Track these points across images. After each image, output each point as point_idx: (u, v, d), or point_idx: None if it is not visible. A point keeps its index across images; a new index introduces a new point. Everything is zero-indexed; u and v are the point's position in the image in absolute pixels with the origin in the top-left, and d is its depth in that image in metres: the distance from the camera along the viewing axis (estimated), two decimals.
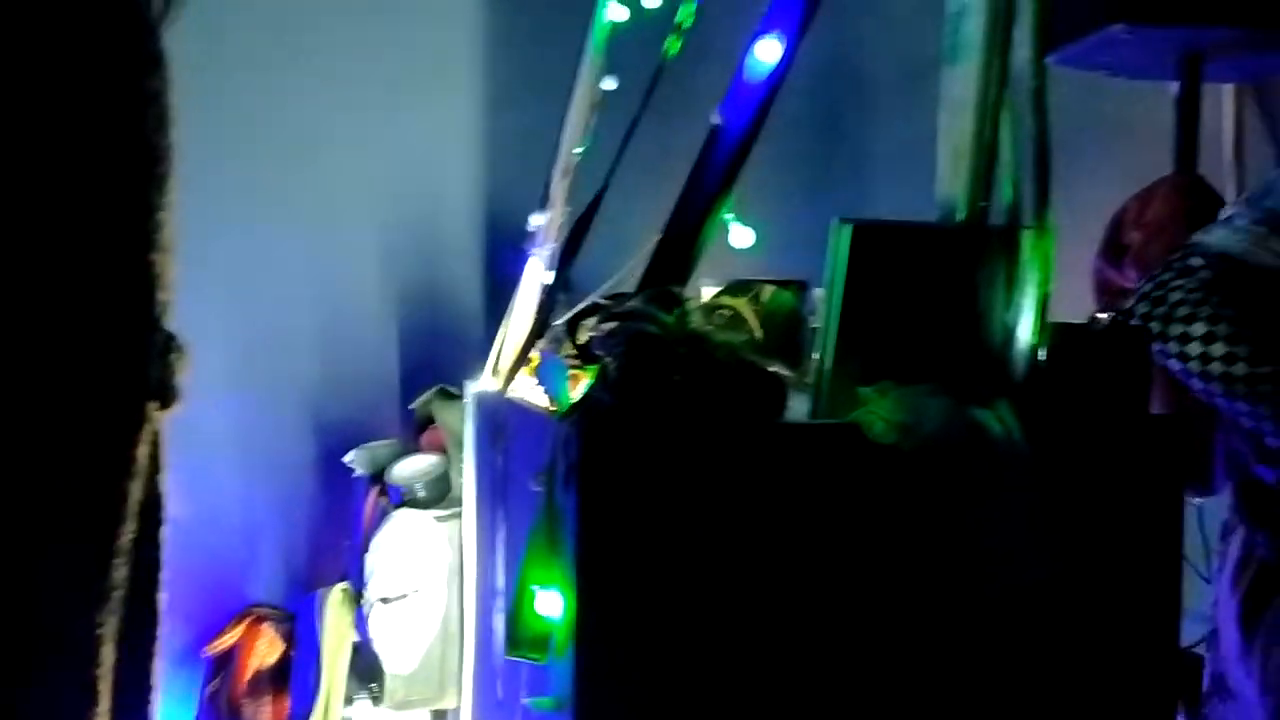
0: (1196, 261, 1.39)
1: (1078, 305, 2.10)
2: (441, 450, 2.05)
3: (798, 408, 1.19)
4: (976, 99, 1.11)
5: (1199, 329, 1.33)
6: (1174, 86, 2.03)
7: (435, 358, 2.45)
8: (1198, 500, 1.92)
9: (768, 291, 1.36)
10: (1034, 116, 1.14)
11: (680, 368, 1.02)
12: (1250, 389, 1.31)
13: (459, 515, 1.83)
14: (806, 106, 2.69)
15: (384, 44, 2.43)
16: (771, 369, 1.13)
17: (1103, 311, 2.05)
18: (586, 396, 1.07)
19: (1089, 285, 2.10)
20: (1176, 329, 1.34)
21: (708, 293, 1.48)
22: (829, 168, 2.67)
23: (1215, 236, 1.42)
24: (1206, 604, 2.05)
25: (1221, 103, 2.27)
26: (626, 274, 1.23)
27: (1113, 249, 2.02)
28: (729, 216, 1.22)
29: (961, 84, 1.12)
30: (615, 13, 1.64)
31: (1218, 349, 1.32)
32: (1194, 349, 1.33)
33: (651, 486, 1.04)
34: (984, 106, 1.11)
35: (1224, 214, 1.49)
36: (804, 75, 2.83)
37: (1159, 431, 1.22)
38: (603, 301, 1.17)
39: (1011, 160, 1.15)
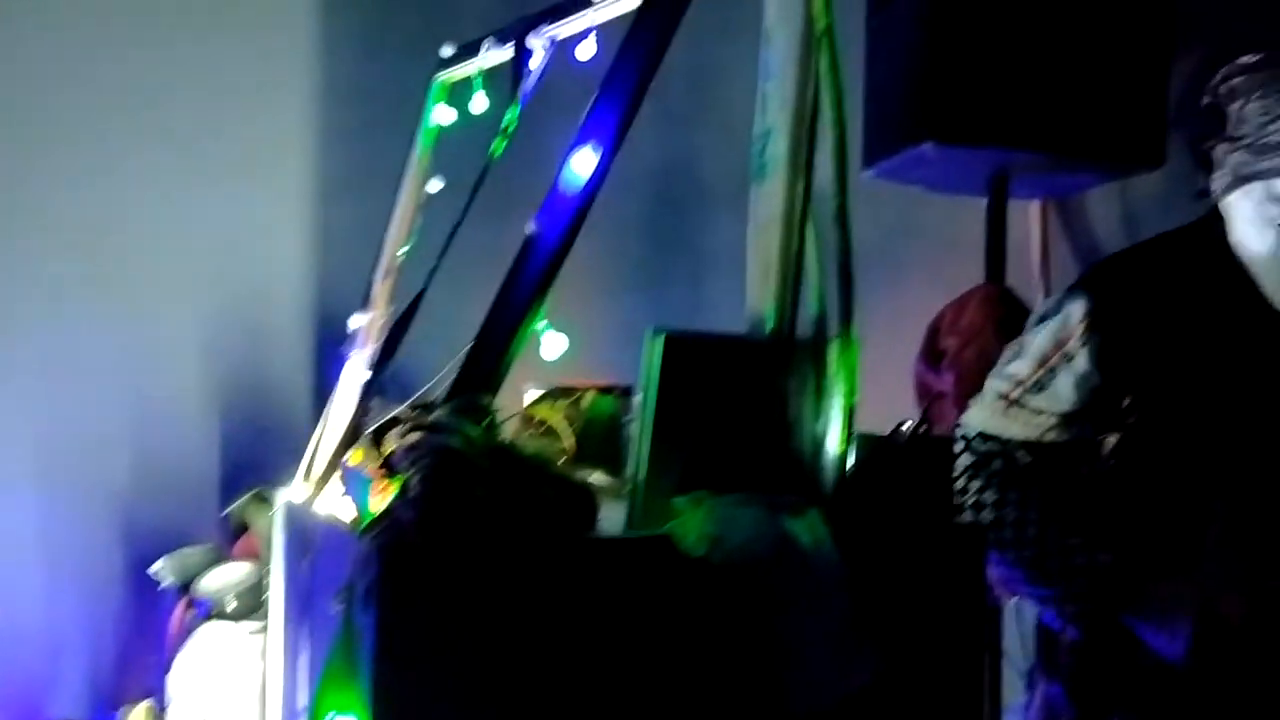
0: (959, 446, 1.47)
1: (906, 404, 2.18)
2: (256, 559, 1.94)
3: (616, 517, 1.18)
4: (783, 216, 1.14)
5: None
6: (985, 201, 2.15)
7: (259, 459, 2.34)
8: (1013, 600, 1.98)
9: (589, 398, 1.35)
10: (838, 233, 1.18)
11: (485, 483, 0.99)
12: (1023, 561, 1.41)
13: None
14: (648, 209, 2.75)
15: (209, 128, 2.36)
16: (584, 480, 1.11)
17: (922, 411, 2.13)
18: (387, 513, 1.02)
19: (911, 387, 2.18)
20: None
21: (530, 397, 1.47)
22: (669, 268, 2.72)
23: (971, 415, 1.51)
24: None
25: (1029, 217, 2.42)
26: (439, 382, 1.20)
27: (931, 353, 2.10)
28: (542, 325, 1.20)
29: (768, 201, 1.15)
30: (443, 115, 1.64)
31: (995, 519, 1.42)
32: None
33: (453, 608, 1.00)
34: (790, 223, 1.14)
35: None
36: (646, 179, 2.91)
37: (964, 538, 1.25)
38: (405, 413, 1.13)
39: (817, 275, 1.18)
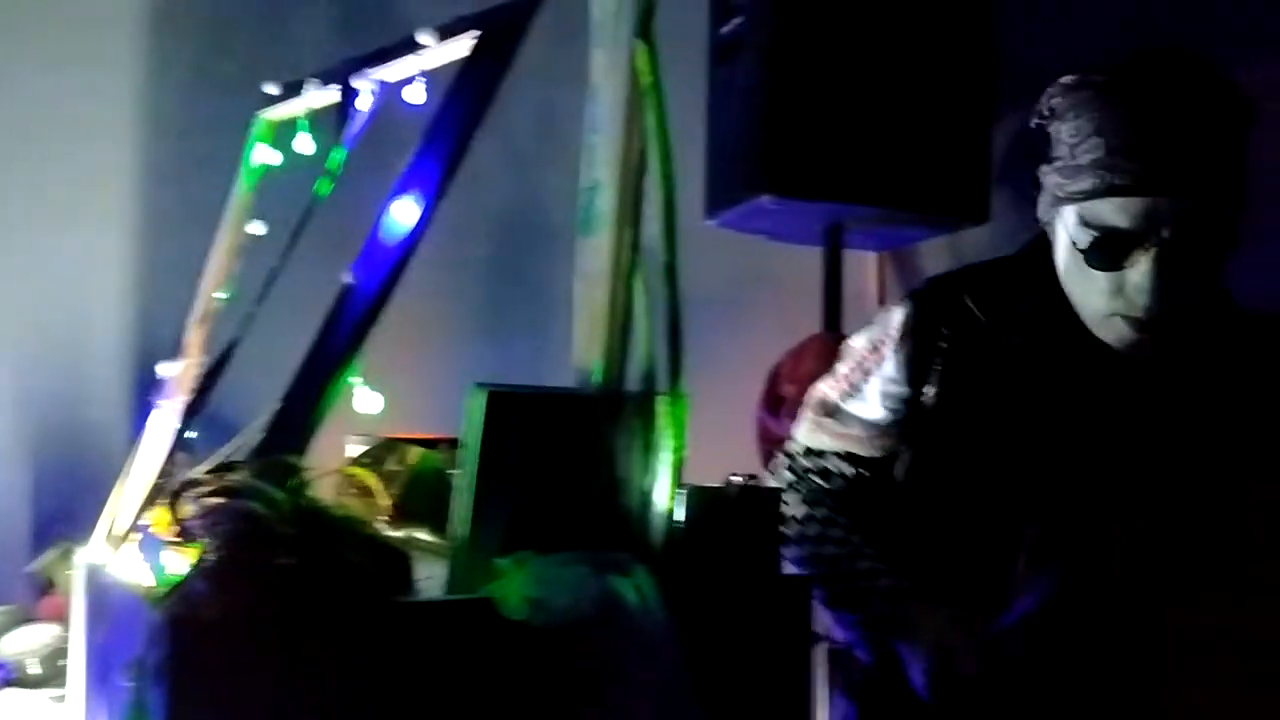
0: (784, 462, 1.52)
1: (746, 453, 2.20)
2: (62, 620, 1.80)
3: (440, 577, 1.13)
4: (610, 270, 1.13)
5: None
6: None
7: (72, 511, 2.18)
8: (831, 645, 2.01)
9: (414, 453, 1.30)
10: (667, 288, 1.17)
11: (288, 549, 0.93)
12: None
13: None
14: (492, 253, 2.72)
15: (23, 165, 2.22)
16: (399, 541, 1.06)
17: (764, 459, 2.15)
18: (181, 582, 0.95)
19: (753, 434, 2.20)
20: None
21: (352, 450, 1.41)
22: (514, 312, 2.68)
23: (797, 429, 1.54)
24: None
25: (867, 267, 2.50)
26: (248, 440, 1.13)
27: (771, 400, 2.13)
28: (358, 380, 1.15)
29: (595, 255, 1.13)
30: (266, 155, 1.57)
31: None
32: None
33: (251, 684, 0.93)
34: (617, 277, 1.13)
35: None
36: (491, 222, 2.87)
37: (789, 590, 1.25)
38: (203, 474, 1.06)
39: (646, 329, 1.17)
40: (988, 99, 2.08)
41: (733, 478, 1.26)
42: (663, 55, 1.19)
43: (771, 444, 2.13)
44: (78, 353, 2.30)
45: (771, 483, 1.51)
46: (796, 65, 1.99)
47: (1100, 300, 1.24)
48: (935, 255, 2.34)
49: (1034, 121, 1.32)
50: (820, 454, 1.48)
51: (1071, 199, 1.23)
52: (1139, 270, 1.17)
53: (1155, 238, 1.17)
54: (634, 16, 1.09)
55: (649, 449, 1.17)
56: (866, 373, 1.44)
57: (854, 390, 1.45)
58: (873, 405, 1.42)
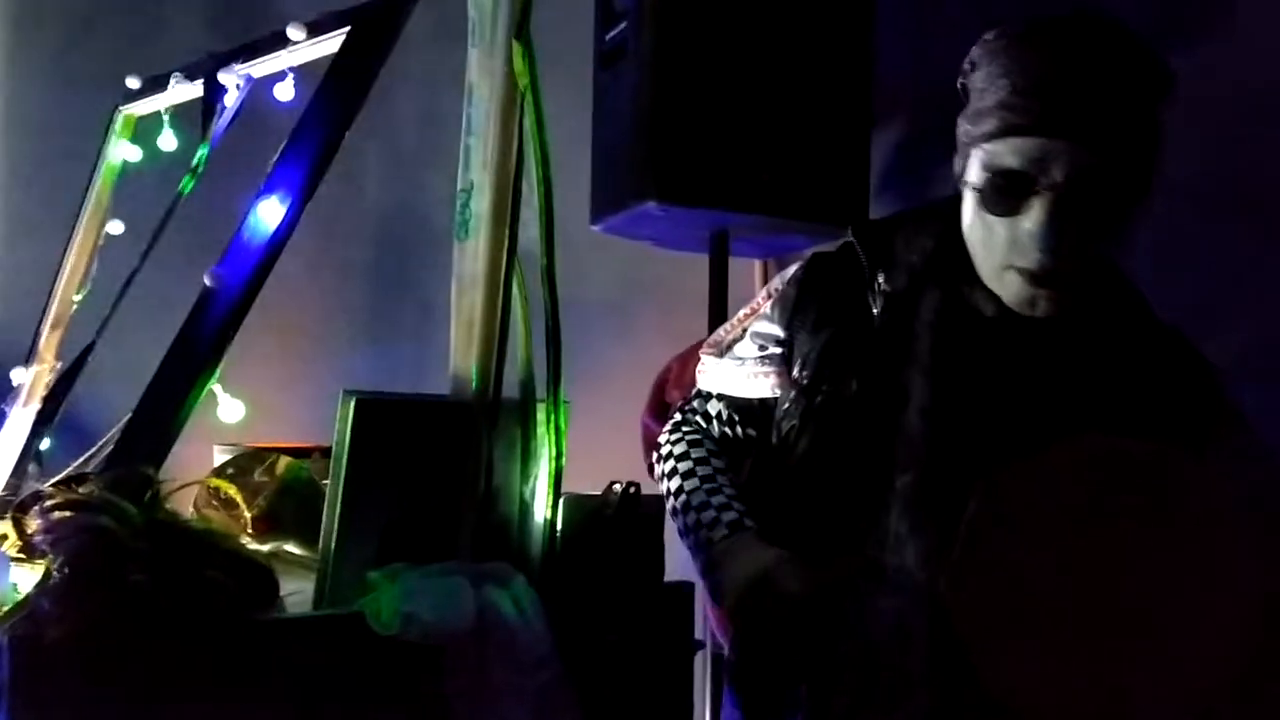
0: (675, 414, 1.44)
1: (631, 460, 2.19)
2: None
3: (308, 591, 1.09)
4: (486, 274, 1.10)
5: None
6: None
7: None
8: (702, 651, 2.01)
9: (282, 463, 1.26)
10: (546, 292, 1.16)
11: (142, 566, 0.88)
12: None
13: None
14: (374, 256, 2.65)
15: None
16: (264, 555, 1.02)
17: (649, 465, 2.15)
18: (25, 602, 0.89)
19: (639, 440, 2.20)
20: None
21: (219, 458, 1.35)
22: (396, 317, 2.62)
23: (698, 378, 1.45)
24: None
25: (752, 274, 2.52)
26: (100, 450, 1.07)
27: (657, 406, 2.13)
28: (219, 387, 1.10)
29: (472, 259, 1.11)
30: (127, 152, 1.50)
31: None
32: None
33: (101, 709, 0.88)
34: (494, 281, 1.11)
35: None
36: (370, 225, 2.80)
37: (672, 598, 1.24)
38: (49, 488, 1.00)
39: (525, 334, 1.15)
40: (867, 109, 2.12)
41: (615, 485, 1.25)
42: (549, 61, 1.17)
43: (659, 449, 2.13)
44: None
45: (660, 487, 1.48)
46: (679, 72, 1.99)
47: (997, 253, 1.19)
48: None
49: (959, 81, 1.29)
50: (707, 398, 1.39)
51: (974, 142, 1.21)
52: (1032, 218, 1.14)
53: (1048, 181, 1.13)
54: (510, 17, 1.07)
55: (527, 457, 1.15)
56: (754, 314, 1.39)
57: (741, 333, 1.38)
58: (748, 345, 1.35)
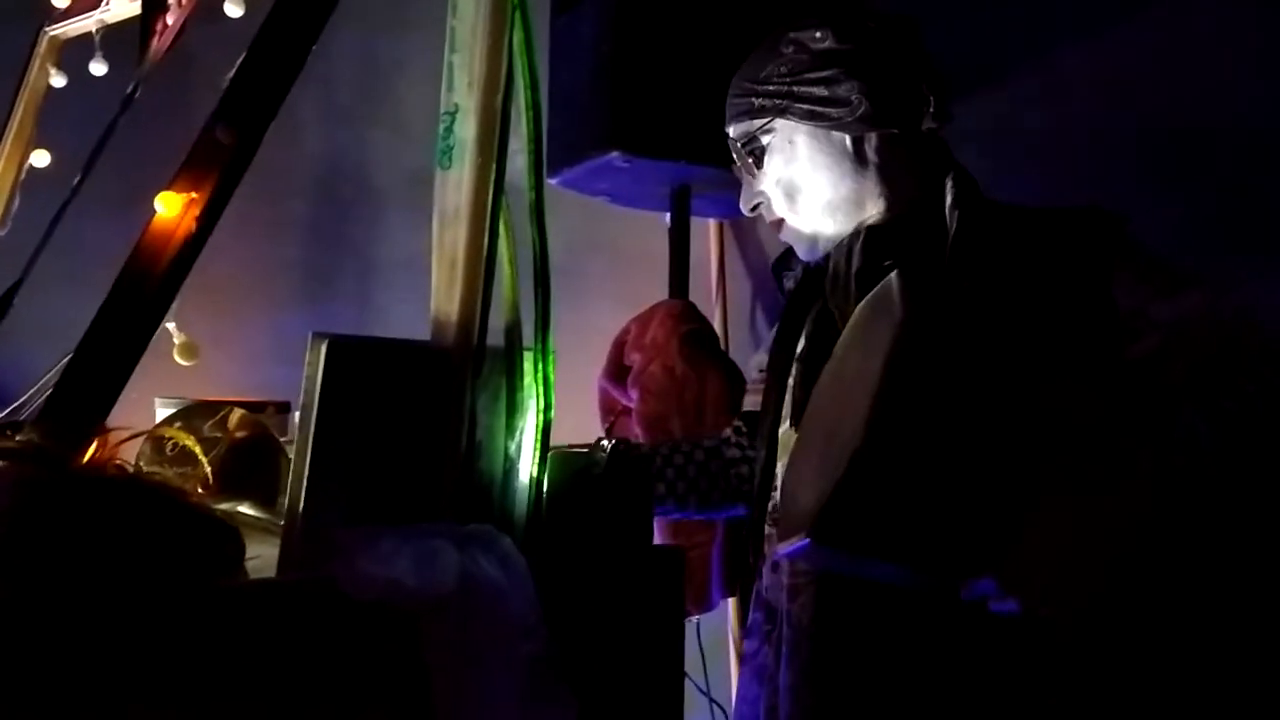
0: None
1: (585, 425, 2.11)
2: None
3: (269, 556, 0.98)
4: (471, 206, 1.00)
5: None
6: (667, 217, 2.13)
7: None
8: (696, 617, 1.96)
9: (236, 416, 1.14)
10: (533, 229, 1.06)
11: (87, 524, 0.77)
12: None
13: None
14: (311, 211, 2.51)
15: None
16: (227, 514, 0.90)
17: (606, 430, 2.07)
18: None
19: (595, 404, 2.11)
20: None
21: (162, 413, 1.22)
22: (334, 276, 2.49)
23: None
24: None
25: (708, 236, 2.45)
26: (35, 397, 0.95)
27: (616, 369, 2.05)
28: (172, 325, 0.99)
29: (455, 190, 1.01)
30: (53, 78, 1.35)
31: None
32: None
33: (36, 684, 0.77)
34: (479, 215, 1.00)
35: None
36: (309, 178, 2.66)
37: (658, 560, 1.17)
38: None
39: (510, 275, 1.06)
40: None
41: (603, 442, 1.16)
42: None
43: (615, 414, 2.05)
44: None
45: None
46: (643, 16, 1.90)
47: None
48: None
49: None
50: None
51: None
52: None
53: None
54: None
55: (513, 409, 1.05)
56: None
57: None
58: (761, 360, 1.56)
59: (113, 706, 0.79)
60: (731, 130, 1.50)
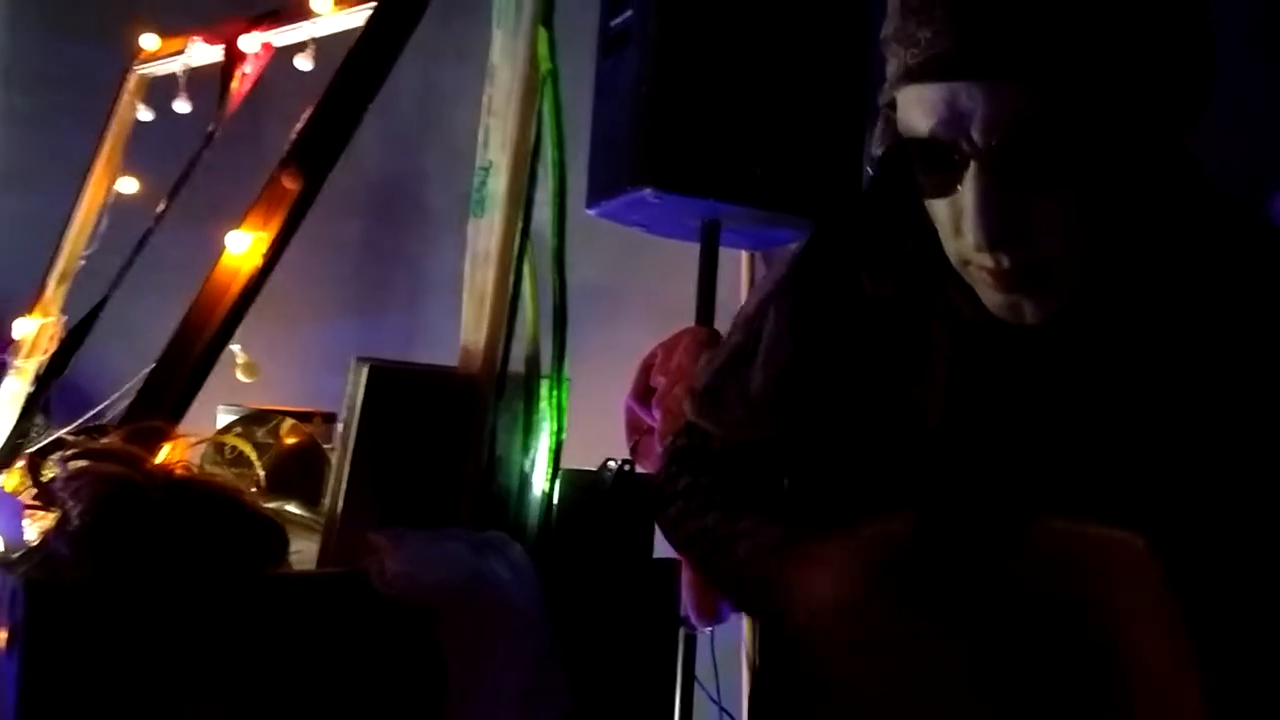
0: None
1: (615, 441, 2.23)
2: None
3: (311, 551, 1.12)
4: (499, 251, 1.14)
5: None
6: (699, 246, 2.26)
7: None
8: (707, 629, 2.07)
9: (286, 425, 1.28)
10: (555, 272, 1.19)
11: (158, 516, 0.91)
12: None
13: None
14: (367, 230, 2.67)
15: None
16: (275, 512, 1.05)
17: (631, 448, 2.19)
18: (41, 546, 0.92)
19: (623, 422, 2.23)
20: None
21: (223, 420, 1.37)
22: (386, 292, 2.64)
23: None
24: None
25: (739, 265, 2.56)
26: (116, 403, 1.10)
27: (642, 391, 2.17)
28: (237, 347, 1.13)
29: (486, 236, 1.14)
30: (140, 112, 1.51)
31: None
32: None
33: (114, 652, 0.91)
34: (506, 259, 1.14)
35: None
36: (367, 198, 2.82)
37: (659, 573, 1.29)
38: (70, 436, 1.03)
39: (532, 312, 1.19)
40: (860, 104, 2.16)
41: (610, 462, 1.29)
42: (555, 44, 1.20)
43: (640, 433, 2.17)
44: None
45: (639, 469, 1.53)
46: (680, 61, 2.02)
47: (950, 246, 0.82)
48: None
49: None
50: (706, 434, 1.06)
51: (884, 106, 0.87)
52: (966, 197, 0.76)
53: (969, 143, 0.75)
54: (536, 2, 1.10)
55: (529, 430, 1.18)
56: (753, 336, 1.02)
57: (738, 360, 1.02)
58: (755, 376, 1.00)
59: (172, 673, 0.93)
60: None
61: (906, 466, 0.86)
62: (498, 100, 1.13)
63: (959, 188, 0.76)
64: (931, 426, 0.85)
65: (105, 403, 1.10)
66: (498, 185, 1.13)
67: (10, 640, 0.91)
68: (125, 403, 1.04)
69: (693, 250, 2.32)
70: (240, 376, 1.22)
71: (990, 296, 0.81)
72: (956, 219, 0.78)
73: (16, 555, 0.95)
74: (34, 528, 1.00)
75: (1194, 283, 0.79)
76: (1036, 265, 0.77)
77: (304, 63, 1.30)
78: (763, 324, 0.99)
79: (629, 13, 2.07)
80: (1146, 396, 0.78)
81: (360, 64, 1.10)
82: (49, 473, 0.95)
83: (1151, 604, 0.63)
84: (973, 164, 0.74)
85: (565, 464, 1.25)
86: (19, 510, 0.99)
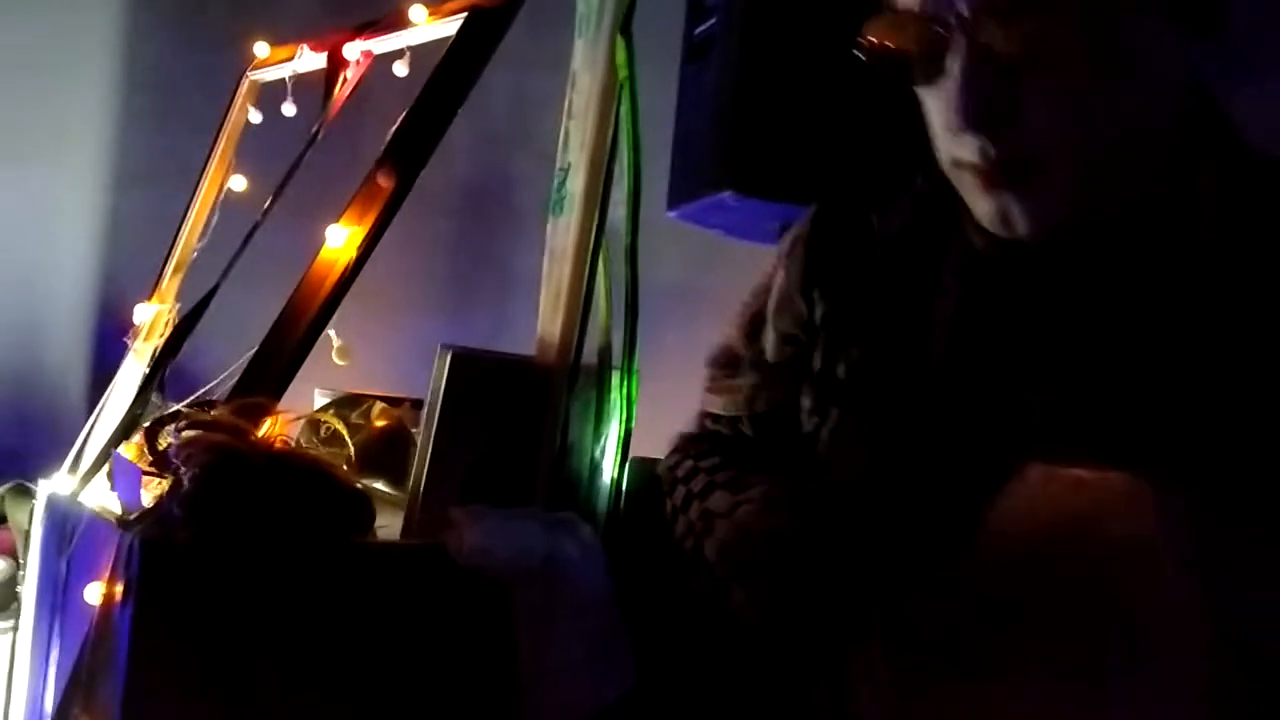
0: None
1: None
2: (11, 554, 1.83)
3: (396, 526, 1.20)
4: (575, 249, 1.20)
5: None
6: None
7: (26, 449, 2.21)
8: None
9: (378, 408, 1.37)
10: (627, 269, 1.25)
11: (259, 484, 1.00)
12: None
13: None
14: (459, 228, 2.77)
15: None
16: (362, 485, 1.13)
17: None
18: (155, 508, 1.02)
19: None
20: None
21: (320, 401, 1.47)
22: (475, 287, 2.74)
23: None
24: None
25: None
26: (223, 381, 1.20)
27: None
28: (333, 333, 1.22)
29: (564, 234, 1.21)
30: (250, 114, 1.62)
31: None
32: None
33: (216, 607, 1.00)
34: (582, 256, 1.20)
35: None
36: (460, 197, 2.93)
37: None
38: (184, 409, 1.13)
39: (605, 307, 1.25)
40: None
41: None
42: (641, 51, 1.26)
43: None
44: (37, 297, 2.32)
45: None
46: (762, 68, 2.07)
47: (942, 148, 0.78)
48: None
49: None
50: (716, 418, 1.05)
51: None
52: (950, 71, 0.72)
53: (955, 17, 0.71)
54: (616, 11, 1.17)
55: (600, 419, 1.25)
56: (761, 303, 0.99)
57: (751, 328, 1.00)
58: (768, 342, 0.97)
59: (266, 627, 1.02)
60: None
61: (912, 410, 0.80)
62: (577, 105, 1.19)
63: (946, 66, 0.73)
64: (935, 364, 0.78)
65: (215, 381, 1.20)
66: (575, 185, 1.19)
67: (125, 593, 1.00)
68: (231, 382, 1.13)
69: (771, 253, 2.36)
70: (336, 360, 1.31)
71: (981, 205, 0.76)
72: (946, 111, 0.75)
73: (134, 516, 1.05)
74: (150, 492, 1.10)
75: (1205, 214, 0.72)
76: (1025, 159, 0.72)
77: (401, 68, 1.39)
78: (768, 289, 0.98)
79: (712, 21, 2.12)
80: (1145, 329, 0.72)
81: (450, 71, 1.18)
82: (164, 442, 1.05)
83: (1147, 544, 0.61)
84: (958, 38, 0.71)
85: (638, 453, 1.31)
86: (138, 476, 1.09)
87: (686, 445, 1.04)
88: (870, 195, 0.92)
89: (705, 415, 1.06)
